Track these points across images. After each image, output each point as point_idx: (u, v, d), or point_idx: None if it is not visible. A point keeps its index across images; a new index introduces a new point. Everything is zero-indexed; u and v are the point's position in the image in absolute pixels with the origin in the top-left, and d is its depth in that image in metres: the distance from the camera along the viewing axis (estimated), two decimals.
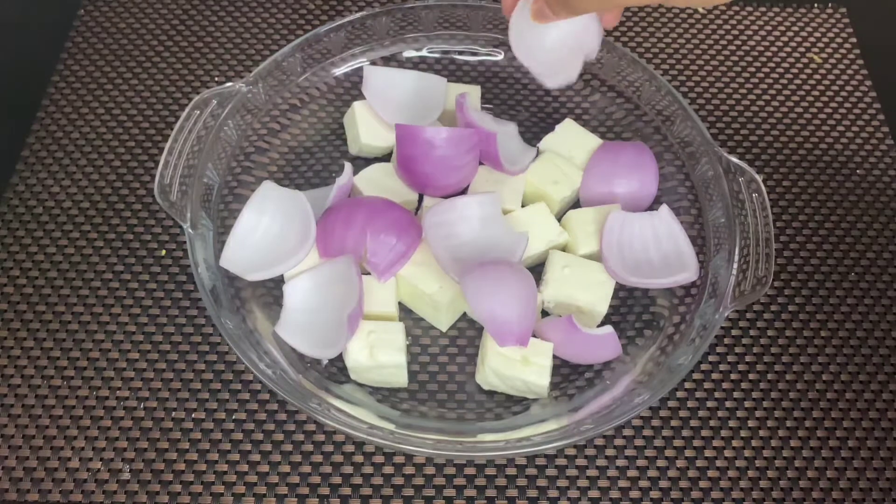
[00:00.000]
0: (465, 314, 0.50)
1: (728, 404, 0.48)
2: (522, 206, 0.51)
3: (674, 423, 0.47)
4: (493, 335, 0.44)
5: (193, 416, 0.47)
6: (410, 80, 0.55)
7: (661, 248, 0.49)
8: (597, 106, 0.57)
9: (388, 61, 0.58)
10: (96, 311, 0.50)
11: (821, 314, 0.51)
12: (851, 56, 0.64)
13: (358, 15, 0.56)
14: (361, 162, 0.54)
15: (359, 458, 0.46)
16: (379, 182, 0.52)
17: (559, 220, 0.52)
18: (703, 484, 0.45)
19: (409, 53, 0.58)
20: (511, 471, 0.45)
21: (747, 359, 0.50)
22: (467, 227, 0.48)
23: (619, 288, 0.50)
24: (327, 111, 0.57)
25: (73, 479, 0.45)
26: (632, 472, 0.46)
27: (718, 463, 0.46)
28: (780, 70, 0.63)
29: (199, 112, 0.50)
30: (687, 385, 0.49)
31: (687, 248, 0.49)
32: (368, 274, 0.48)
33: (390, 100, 0.54)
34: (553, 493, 0.45)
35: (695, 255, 0.48)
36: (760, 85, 0.62)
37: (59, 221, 0.53)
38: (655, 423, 0.47)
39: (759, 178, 0.48)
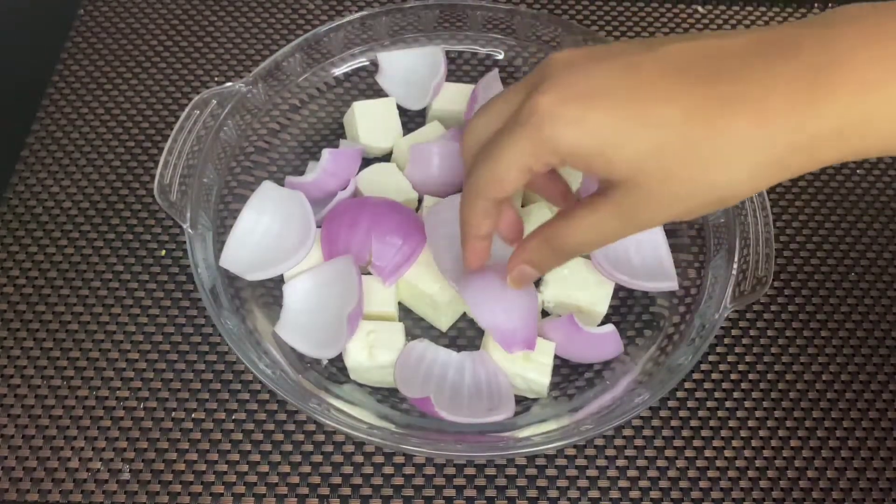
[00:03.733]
0: (465, 314, 0.50)
1: (728, 404, 0.48)
2: (522, 206, 0.51)
3: (674, 423, 0.47)
4: (500, 343, 0.44)
5: (193, 416, 0.47)
6: (416, 57, 0.57)
7: (640, 251, 0.49)
8: None
9: None
10: (96, 312, 0.50)
11: (821, 314, 0.51)
12: None
13: (358, 15, 0.56)
14: (362, 162, 0.54)
15: (359, 459, 0.46)
16: (379, 182, 0.52)
17: None
18: (703, 484, 0.45)
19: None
20: (511, 471, 0.45)
21: (747, 359, 0.50)
22: None
23: (619, 288, 0.50)
24: (327, 111, 0.57)
25: (72, 479, 0.45)
26: (632, 472, 0.46)
27: (718, 463, 0.46)
28: None
29: (199, 112, 0.50)
30: (687, 385, 0.49)
31: (666, 258, 0.49)
32: (368, 274, 0.48)
33: (403, 81, 0.56)
34: (553, 494, 0.45)
35: (673, 267, 0.49)
36: None
37: (58, 221, 0.53)
38: (655, 423, 0.47)
39: None
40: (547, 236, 0.38)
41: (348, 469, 0.45)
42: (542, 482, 0.45)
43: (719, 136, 0.31)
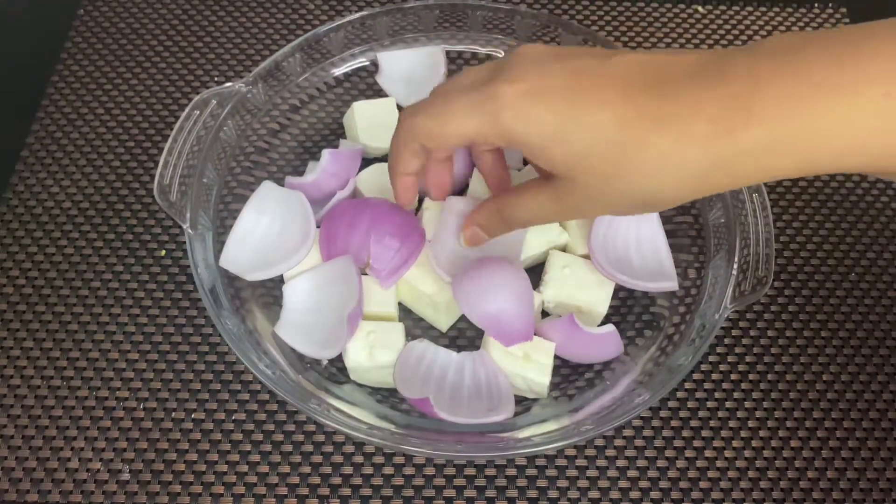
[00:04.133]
0: (465, 314, 0.50)
1: (728, 405, 0.48)
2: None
3: (674, 423, 0.47)
4: (496, 338, 0.44)
5: (193, 416, 0.47)
6: (416, 57, 0.57)
7: (640, 251, 0.49)
8: None
9: None
10: (96, 312, 0.50)
11: (821, 315, 0.51)
12: None
13: (358, 15, 0.56)
14: (362, 162, 0.54)
15: (359, 459, 0.46)
16: (379, 182, 0.52)
17: None
18: (703, 484, 0.45)
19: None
20: (511, 471, 0.45)
21: (747, 359, 0.50)
22: None
23: (619, 288, 0.50)
24: (327, 111, 0.57)
25: (72, 479, 0.45)
26: (632, 473, 0.45)
27: (719, 463, 0.46)
28: None
29: (198, 112, 0.50)
30: (687, 385, 0.49)
31: (666, 258, 0.49)
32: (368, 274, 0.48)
33: (403, 81, 0.56)
34: (553, 494, 0.45)
35: (673, 267, 0.49)
36: None
37: (58, 222, 0.53)
38: (656, 423, 0.47)
39: None
40: (499, 206, 0.42)
41: (348, 469, 0.45)
42: (542, 482, 0.45)
43: (648, 149, 0.33)
